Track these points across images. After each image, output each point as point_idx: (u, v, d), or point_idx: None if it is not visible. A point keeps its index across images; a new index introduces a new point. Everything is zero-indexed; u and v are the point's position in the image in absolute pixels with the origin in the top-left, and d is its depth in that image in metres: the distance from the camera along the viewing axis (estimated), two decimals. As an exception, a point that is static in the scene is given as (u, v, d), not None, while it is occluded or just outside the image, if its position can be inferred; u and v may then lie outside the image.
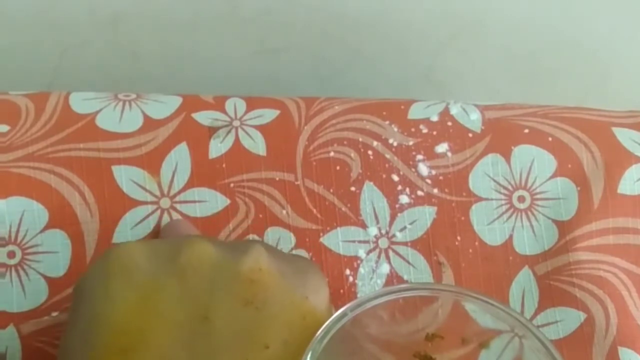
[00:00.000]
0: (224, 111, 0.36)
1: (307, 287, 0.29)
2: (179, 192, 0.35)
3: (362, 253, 0.35)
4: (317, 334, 0.27)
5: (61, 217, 0.34)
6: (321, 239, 0.35)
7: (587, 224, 0.35)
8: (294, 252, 0.35)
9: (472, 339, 0.30)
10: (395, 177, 0.36)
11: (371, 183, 0.36)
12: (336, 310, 0.28)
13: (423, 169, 0.36)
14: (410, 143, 0.36)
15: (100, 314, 0.27)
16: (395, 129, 0.36)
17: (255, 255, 0.28)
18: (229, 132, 0.36)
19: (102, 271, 0.28)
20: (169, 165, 0.35)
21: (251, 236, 0.35)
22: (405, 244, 0.35)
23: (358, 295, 0.35)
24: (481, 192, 0.36)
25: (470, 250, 0.35)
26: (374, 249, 0.35)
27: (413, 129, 0.36)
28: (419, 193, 0.36)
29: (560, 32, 0.52)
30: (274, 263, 0.28)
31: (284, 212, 0.35)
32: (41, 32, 0.49)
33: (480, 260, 0.36)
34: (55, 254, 0.34)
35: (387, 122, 0.37)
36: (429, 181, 0.36)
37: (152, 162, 0.35)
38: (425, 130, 0.36)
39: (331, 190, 0.35)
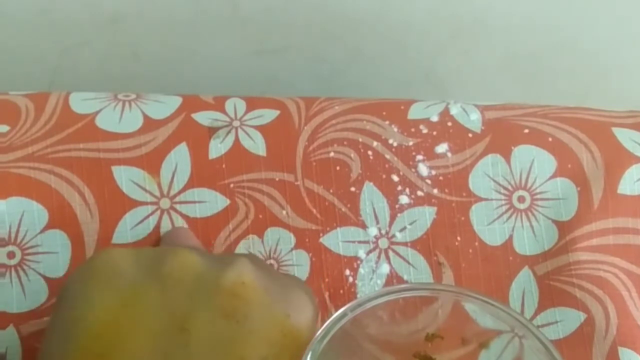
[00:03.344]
0: (223, 111, 0.36)
1: (290, 304, 0.28)
2: (179, 193, 0.35)
3: (362, 253, 0.35)
4: (317, 334, 0.27)
5: (61, 218, 0.34)
6: (321, 239, 0.35)
7: (587, 224, 0.35)
8: (294, 252, 0.35)
9: (472, 339, 0.30)
10: (395, 178, 0.36)
11: (371, 183, 0.36)
12: (336, 310, 0.28)
13: (423, 169, 0.36)
14: (410, 143, 0.36)
15: (79, 317, 0.27)
16: (395, 129, 0.36)
17: (240, 269, 0.28)
18: (229, 132, 0.36)
19: (84, 275, 0.28)
20: (168, 166, 0.35)
21: (250, 237, 0.35)
22: (405, 244, 0.35)
23: (358, 296, 0.35)
24: (481, 193, 0.36)
25: (470, 251, 0.35)
26: (374, 249, 0.35)
27: (413, 129, 0.36)
28: (419, 193, 0.36)
29: (560, 32, 0.52)
30: (259, 278, 0.28)
31: (284, 212, 0.35)
32: (41, 32, 0.49)
33: (480, 261, 0.36)
34: (55, 254, 0.34)
35: (387, 122, 0.37)
36: (428, 181, 0.36)
37: (152, 162, 0.35)
38: (425, 131, 0.36)
39: (331, 191, 0.35)
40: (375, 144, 0.36)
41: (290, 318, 0.28)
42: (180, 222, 0.35)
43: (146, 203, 0.34)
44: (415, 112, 0.37)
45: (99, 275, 0.28)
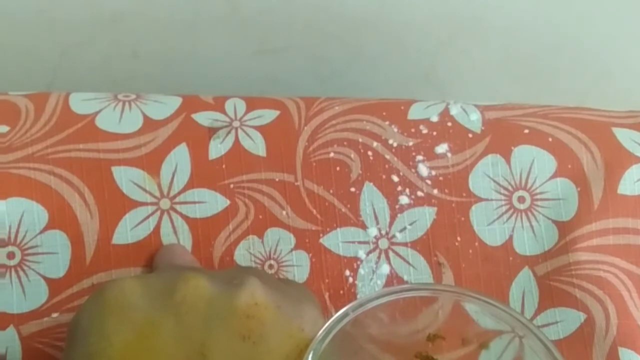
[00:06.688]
0: (223, 112, 0.36)
1: (303, 319, 0.28)
2: (179, 193, 0.35)
3: (362, 254, 0.35)
4: (318, 334, 0.27)
5: (61, 218, 0.34)
6: (321, 240, 0.35)
7: (587, 224, 0.35)
8: (294, 252, 0.35)
9: (472, 339, 0.30)
10: (395, 178, 0.36)
11: (371, 184, 0.36)
12: (336, 311, 0.28)
13: (423, 169, 0.36)
14: (410, 144, 0.36)
15: (96, 352, 0.27)
16: (395, 130, 0.36)
17: (251, 290, 0.28)
18: (229, 132, 0.36)
19: (96, 309, 0.28)
20: (168, 166, 0.35)
21: (250, 237, 0.35)
22: (405, 244, 0.35)
23: (358, 296, 0.35)
24: (481, 193, 0.36)
25: (470, 251, 0.35)
26: (374, 249, 0.35)
27: (413, 130, 0.36)
28: (419, 194, 0.36)
29: (560, 32, 0.52)
30: (270, 296, 0.28)
31: (284, 212, 0.35)
32: (41, 32, 0.49)
33: (480, 261, 0.36)
34: (55, 254, 0.34)
35: (387, 123, 0.37)
36: (428, 182, 0.36)
37: (152, 163, 0.35)
38: (425, 131, 0.36)
39: (331, 191, 0.35)
40: (375, 144, 0.36)
41: (305, 332, 0.28)
42: (180, 223, 0.35)
43: (146, 204, 0.34)
44: (415, 113, 0.37)
45: (112, 308, 0.27)
